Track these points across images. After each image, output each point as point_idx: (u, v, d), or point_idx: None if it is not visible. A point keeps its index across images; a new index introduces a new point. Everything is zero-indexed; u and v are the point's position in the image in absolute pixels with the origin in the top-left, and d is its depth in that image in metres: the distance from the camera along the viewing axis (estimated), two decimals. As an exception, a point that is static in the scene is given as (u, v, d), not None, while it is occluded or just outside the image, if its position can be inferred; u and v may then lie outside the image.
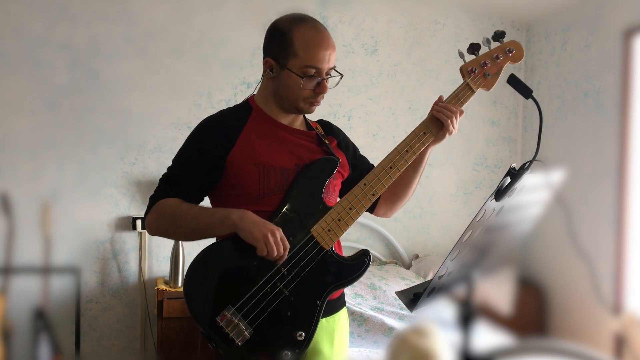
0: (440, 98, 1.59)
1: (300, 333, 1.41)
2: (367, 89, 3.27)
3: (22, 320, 1.85)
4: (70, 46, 2.77)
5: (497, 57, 1.54)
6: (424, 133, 1.55)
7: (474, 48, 1.54)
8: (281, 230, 1.39)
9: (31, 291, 2.48)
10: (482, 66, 1.54)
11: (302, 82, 1.45)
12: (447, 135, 1.56)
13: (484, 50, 1.55)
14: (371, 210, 1.71)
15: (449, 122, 1.53)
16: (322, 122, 1.69)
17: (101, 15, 2.82)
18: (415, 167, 1.61)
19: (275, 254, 1.37)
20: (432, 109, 1.56)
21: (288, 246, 1.40)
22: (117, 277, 2.86)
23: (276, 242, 1.37)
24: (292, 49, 1.45)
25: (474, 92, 1.55)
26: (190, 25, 2.95)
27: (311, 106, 1.52)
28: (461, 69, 1.56)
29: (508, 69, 1.57)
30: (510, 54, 1.54)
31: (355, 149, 1.73)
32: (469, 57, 1.55)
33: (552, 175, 1.17)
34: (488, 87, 1.56)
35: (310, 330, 1.42)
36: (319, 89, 1.48)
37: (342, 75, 1.51)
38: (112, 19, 2.83)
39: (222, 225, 1.41)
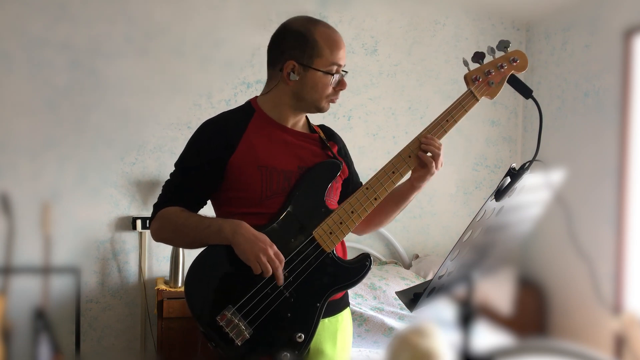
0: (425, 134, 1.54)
1: (299, 335, 1.41)
2: (367, 89, 3.27)
3: (22, 320, 1.85)
4: (70, 46, 2.77)
5: (502, 66, 1.54)
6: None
7: (478, 57, 1.54)
8: (274, 246, 1.39)
9: (31, 291, 2.48)
10: (486, 75, 1.55)
11: (331, 79, 1.49)
12: (428, 175, 1.55)
13: (488, 59, 1.56)
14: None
15: (433, 164, 1.51)
16: (323, 128, 1.69)
17: (101, 15, 2.82)
18: (398, 202, 1.63)
19: (270, 273, 1.37)
20: (421, 147, 1.52)
21: (283, 259, 1.40)
22: (117, 277, 2.86)
23: (269, 259, 1.37)
24: (317, 49, 1.47)
25: (477, 100, 1.55)
26: (190, 25, 2.95)
27: (329, 103, 1.55)
28: (465, 77, 1.56)
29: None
30: (515, 63, 1.55)
31: (351, 162, 1.73)
32: (474, 66, 1.56)
33: (552, 175, 1.18)
34: (492, 95, 1.57)
35: (310, 332, 1.42)
36: (340, 86, 1.53)
37: (346, 72, 1.54)
38: (112, 19, 2.83)
39: (218, 239, 1.41)
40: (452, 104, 1.55)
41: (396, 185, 1.52)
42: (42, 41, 2.73)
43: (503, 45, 1.53)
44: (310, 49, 1.47)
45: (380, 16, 3.28)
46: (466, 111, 1.55)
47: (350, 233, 1.53)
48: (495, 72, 1.55)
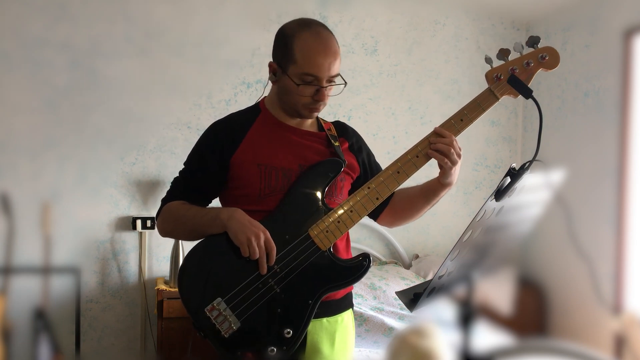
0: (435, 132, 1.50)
1: (288, 330, 1.41)
2: (367, 89, 3.27)
3: (22, 320, 1.85)
4: (70, 46, 2.77)
5: (528, 64, 1.44)
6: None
7: (503, 54, 1.45)
8: (268, 233, 1.40)
9: (31, 291, 2.47)
10: (510, 72, 1.46)
11: (299, 89, 1.46)
12: (448, 171, 1.51)
13: (514, 56, 1.46)
14: (375, 216, 1.69)
15: (445, 160, 1.47)
16: (337, 124, 1.68)
17: (101, 15, 2.81)
18: (428, 198, 1.60)
19: (257, 256, 1.38)
20: (430, 146, 1.49)
21: (274, 247, 1.40)
22: (117, 277, 2.86)
23: (259, 244, 1.39)
24: (292, 55, 1.45)
25: (498, 99, 1.48)
26: (190, 25, 2.95)
27: (311, 112, 1.52)
28: (486, 75, 1.48)
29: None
30: (544, 61, 1.44)
31: (369, 155, 1.71)
32: (498, 63, 1.47)
33: (552, 175, 1.17)
34: (516, 94, 1.47)
35: (300, 328, 1.42)
36: (318, 97, 1.47)
37: (345, 83, 1.50)
38: (112, 19, 2.83)
39: (214, 225, 1.44)
40: (469, 103, 1.49)
41: (400, 185, 1.51)
42: (42, 41, 2.73)
43: (532, 41, 1.42)
44: (287, 54, 1.46)
45: (380, 16, 3.28)
46: (484, 110, 1.49)
47: (350, 232, 1.52)
48: (521, 69, 1.45)
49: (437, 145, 1.48)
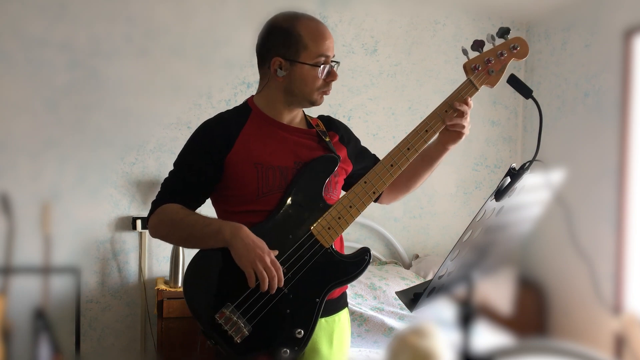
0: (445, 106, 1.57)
1: (299, 330, 1.41)
2: (367, 89, 3.27)
3: (22, 320, 1.85)
4: (70, 46, 2.77)
5: (501, 54, 1.51)
6: (426, 131, 1.55)
7: (477, 45, 1.52)
8: (272, 254, 1.38)
9: (31, 291, 2.48)
10: (485, 63, 1.52)
11: (319, 70, 1.48)
12: (459, 138, 1.58)
13: (488, 47, 1.52)
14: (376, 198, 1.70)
15: (464, 127, 1.55)
16: (322, 118, 1.70)
17: (101, 15, 2.82)
18: (430, 162, 1.65)
19: (266, 280, 1.36)
20: (445, 119, 1.55)
21: (280, 267, 1.38)
22: (117, 277, 2.86)
23: (266, 267, 1.36)
24: (301, 42, 1.47)
25: (477, 89, 1.53)
26: (190, 25, 2.95)
27: (322, 96, 1.54)
28: (464, 66, 1.54)
29: (511, 66, 1.56)
30: (515, 51, 1.51)
31: (357, 141, 1.74)
32: (473, 55, 1.53)
33: (552, 175, 1.17)
34: (492, 84, 1.55)
35: (310, 328, 1.43)
36: (330, 77, 1.51)
37: (338, 63, 1.54)
38: (112, 19, 2.83)
39: (215, 239, 1.41)
40: (451, 94, 1.55)
41: (395, 177, 1.53)
42: (42, 41, 2.73)
43: (502, 32, 1.49)
44: (294, 43, 1.47)
45: (380, 16, 3.28)
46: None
47: (350, 232, 1.53)
48: (495, 60, 1.51)
49: (464, 107, 1.52)
